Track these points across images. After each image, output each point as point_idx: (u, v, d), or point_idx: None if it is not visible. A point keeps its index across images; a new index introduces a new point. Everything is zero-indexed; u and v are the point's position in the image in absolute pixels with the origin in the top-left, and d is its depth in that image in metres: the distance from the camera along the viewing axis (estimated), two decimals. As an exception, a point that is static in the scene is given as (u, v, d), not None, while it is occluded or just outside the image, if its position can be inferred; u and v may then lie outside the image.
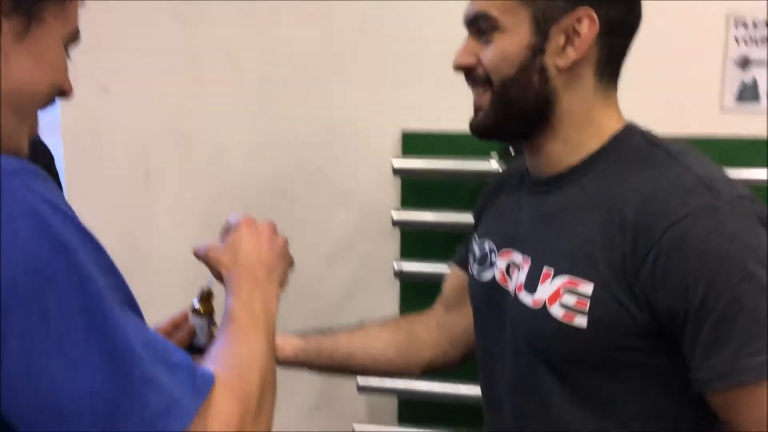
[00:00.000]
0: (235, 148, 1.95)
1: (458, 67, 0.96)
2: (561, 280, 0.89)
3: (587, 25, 0.89)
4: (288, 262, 0.96)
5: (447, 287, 1.25)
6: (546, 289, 0.90)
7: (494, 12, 0.91)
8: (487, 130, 0.97)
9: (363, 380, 1.78)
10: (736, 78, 1.71)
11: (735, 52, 1.70)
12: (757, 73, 1.69)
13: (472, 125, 0.98)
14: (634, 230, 0.83)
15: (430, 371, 1.23)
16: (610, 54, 0.93)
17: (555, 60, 0.90)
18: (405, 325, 1.23)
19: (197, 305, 1.00)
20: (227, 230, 0.94)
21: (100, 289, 0.62)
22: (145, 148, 2.00)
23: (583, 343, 0.86)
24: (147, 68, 1.96)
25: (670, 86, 1.73)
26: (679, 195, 0.82)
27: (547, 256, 0.92)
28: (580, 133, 0.94)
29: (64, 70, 0.76)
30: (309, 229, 1.92)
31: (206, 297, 1.00)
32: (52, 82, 0.74)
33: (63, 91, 0.76)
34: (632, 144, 0.93)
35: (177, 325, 1.01)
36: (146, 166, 1.99)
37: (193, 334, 0.99)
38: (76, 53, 2.02)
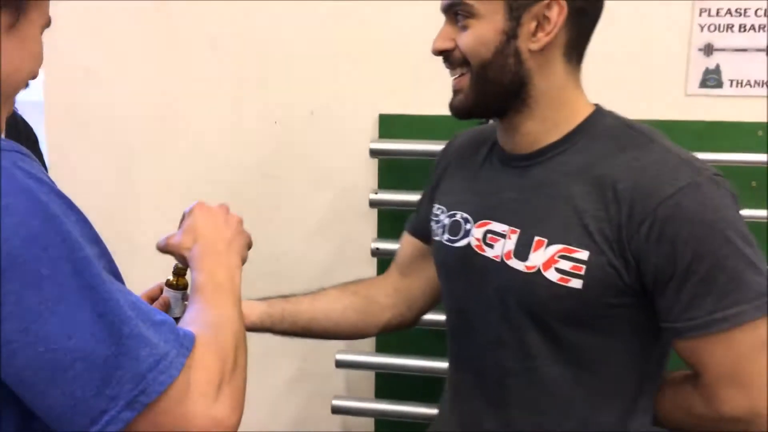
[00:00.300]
0: (216, 133, 1.99)
1: (437, 51, 1.04)
2: (556, 248, 0.98)
3: (556, 11, 0.98)
4: (245, 237, 1.01)
5: (402, 254, 1.33)
6: (539, 256, 0.99)
7: (471, 0, 0.99)
8: (467, 110, 1.05)
9: (341, 355, 1.84)
10: (701, 64, 1.78)
11: (699, 40, 1.77)
12: (721, 60, 1.76)
13: (453, 106, 1.06)
14: (630, 203, 0.93)
15: (386, 332, 1.32)
16: (577, 38, 1.02)
17: (528, 44, 0.99)
18: (363, 290, 1.31)
19: (171, 279, 1.05)
20: (183, 218, 1.00)
21: (88, 256, 0.68)
22: (127, 132, 2.03)
23: (577, 302, 0.97)
24: (130, 52, 1.99)
25: (637, 72, 1.79)
26: (668, 172, 0.94)
27: (537, 227, 1.01)
28: (555, 113, 1.03)
29: (40, 59, 0.82)
30: (289, 210, 1.97)
31: (180, 271, 1.05)
32: (32, 69, 0.80)
33: (34, 77, 0.83)
34: (606, 124, 1.04)
35: (152, 298, 1.07)
36: (129, 150, 2.03)
37: (167, 306, 1.04)
38: (61, 35, 2.06)
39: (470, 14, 0.99)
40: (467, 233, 1.10)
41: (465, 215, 1.12)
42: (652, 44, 1.78)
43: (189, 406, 0.70)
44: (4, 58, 0.75)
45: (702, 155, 1.64)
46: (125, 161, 2.03)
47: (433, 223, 1.20)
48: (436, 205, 1.21)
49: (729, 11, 1.74)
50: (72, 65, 2.01)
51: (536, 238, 1.00)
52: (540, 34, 0.99)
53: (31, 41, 0.79)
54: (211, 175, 2.00)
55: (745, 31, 1.74)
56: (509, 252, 1.03)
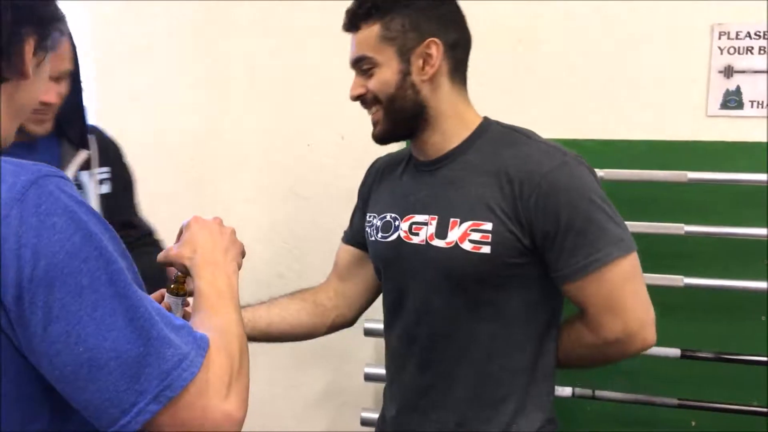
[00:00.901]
0: (251, 155, 2.10)
1: (353, 98, 1.29)
2: (467, 225, 1.23)
3: (435, 48, 1.24)
4: (238, 246, 1.09)
5: (340, 262, 1.52)
6: (455, 233, 1.24)
7: (370, 53, 1.25)
8: (386, 137, 1.31)
9: (370, 369, 1.90)
10: (721, 86, 1.81)
11: (719, 62, 1.80)
12: (741, 81, 1.80)
13: (375, 136, 1.31)
14: (520, 182, 1.20)
15: (332, 331, 1.49)
16: (456, 64, 1.28)
17: (420, 76, 1.25)
18: (309, 296, 1.47)
19: (173, 286, 1.12)
20: (181, 232, 1.10)
21: (121, 268, 0.77)
22: (170, 155, 2.14)
23: (488, 265, 1.21)
24: (172, 80, 2.12)
25: (659, 94, 1.83)
26: (544, 156, 1.22)
27: (450, 211, 1.25)
28: (452, 125, 1.29)
29: (47, 86, 0.94)
30: (320, 230, 2.05)
31: (180, 279, 1.11)
32: (41, 99, 0.92)
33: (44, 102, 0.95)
34: (495, 129, 1.30)
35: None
36: (172, 172, 2.14)
37: (169, 311, 1.08)
38: (110, 63, 2.18)
39: (373, 64, 1.25)
40: (396, 228, 1.33)
41: (393, 215, 1.35)
42: (673, 67, 1.82)
43: (206, 401, 0.78)
44: (29, 90, 0.86)
45: (723, 175, 1.72)
46: (168, 183, 2.14)
47: (368, 229, 1.41)
48: (369, 214, 1.42)
49: (748, 34, 1.78)
50: (120, 91, 2.14)
51: (451, 220, 1.25)
52: (427, 68, 1.25)
53: (42, 81, 0.90)
54: (246, 195, 2.10)
55: (764, 53, 1.77)
56: (432, 234, 1.27)
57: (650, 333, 1.23)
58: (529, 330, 1.27)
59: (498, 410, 1.27)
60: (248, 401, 0.86)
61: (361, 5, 1.26)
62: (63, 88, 1.36)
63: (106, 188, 1.49)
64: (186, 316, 1.13)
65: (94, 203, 1.45)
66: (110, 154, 1.52)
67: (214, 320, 0.90)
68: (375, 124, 1.30)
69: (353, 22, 1.27)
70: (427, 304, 1.29)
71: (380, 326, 1.46)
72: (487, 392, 1.27)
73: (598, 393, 1.83)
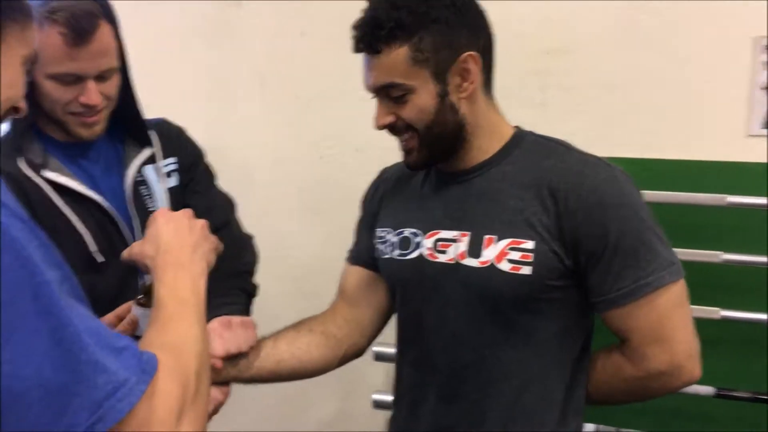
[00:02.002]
0: (262, 167, 2.02)
1: (381, 128, 1.15)
2: (505, 242, 1.11)
3: (472, 62, 1.11)
4: (210, 242, 0.99)
5: (348, 285, 1.35)
6: (491, 251, 1.12)
7: (401, 80, 1.10)
8: (423, 165, 1.19)
9: (378, 396, 1.80)
10: (763, 104, 1.69)
11: (762, 78, 1.68)
12: (785, 99, 1.67)
13: (410, 164, 1.18)
14: (564, 195, 1.09)
15: (344, 363, 1.33)
16: (488, 72, 1.17)
17: (458, 95, 1.13)
18: (317, 327, 1.30)
19: (141, 297, 1.02)
20: (147, 226, 0.99)
21: (48, 281, 0.66)
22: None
23: (528, 287, 1.10)
24: (183, 89, 2.04)
25: (697, 112, 1.72)
26: (590, 168, 1.11)
27: (486, 227, 1.13)
28: (488, 138, 1.18)
29: (21, 89, 0.81)
30: (332, 246, 1.95)
31: (149, 289, 1.00)
32: (9, 97, 0.79)
33: (17, 108, 0.82)
34: (530, 140, 1.19)
35: (120, 317, 1.04)
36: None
37: (135, 325, 1.02)
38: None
39: (406, 91, 1.10)
40: (418, 245, 1.20)
41: (413, 230, 1.21)
42: (712, 83, 1.71)
43: None
44: None
45: (764, 200, 1.59)
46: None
47: (379, 245, 1.27)
48: (380, 229, 1.28)
49: (793, 49, 1.66)
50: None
51: (486, 237, 1.13)
52: (465, 84, 1.12)
53: (8, 69, 0.78)
54: (256, 208, 2.01)
55: (811, 69, 1.65)
56: (462, 253, 1.14)
57: (696, 366, 1.13)
58: (563, 358, 1.16)
59: None
60: (204, 416, 0.77)
61: (381, 25, 1.08)
62: (108, 87, 1.27)
63: (173, 181, 1.41)
64: None
65: (163, 197, 1.36)
66: (174, 144, 1.44)
67: (170, 335, 0.80)
68: (408, 151, 1.17)
69: (371, 44, 1.10)
70: (452, 329, 1.16)
71: (391, 350, 1.32)
72: (517, 427, 1.15)
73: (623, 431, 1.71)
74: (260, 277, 2.11)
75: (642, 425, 1.72)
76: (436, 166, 1.22)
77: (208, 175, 1.51)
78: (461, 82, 1.11)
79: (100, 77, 1.25)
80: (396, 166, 1.32)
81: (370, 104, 1.87)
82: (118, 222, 1.32)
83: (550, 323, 1.13)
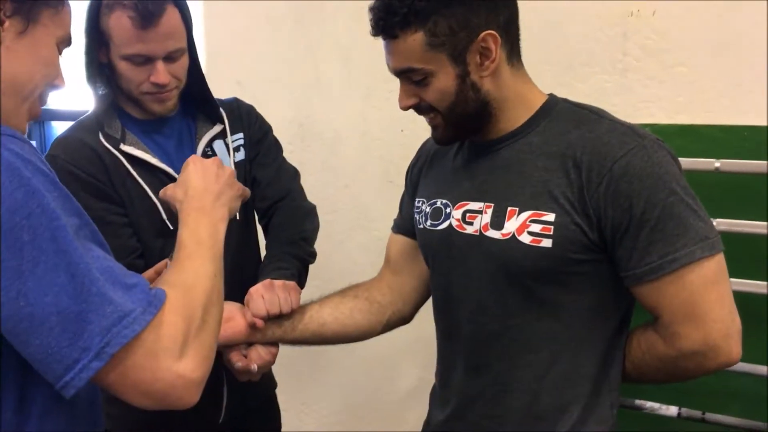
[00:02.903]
0: (346, 140, 2.08)
1: (405, 109, 1.17)
2: (526, 214, 1.11)
3: (492, 41, 1.09)
4: (236, 189, 1.08)
5: (392, 253, 1.40)
6: (513, 223, 1.12)
7: (419, 65, 1.10)
8: (449, 141, 1.21)
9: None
10: None
11: None
12: None
13: (437, 139, 1.21)
14: (588, 166, 1.07)
15: (388, 329, 1.38)
16: (512, 45, 1.14)
17: (479, 74, 1.11)
18: (362, 293, 1.36)
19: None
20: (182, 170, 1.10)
21: (65, 225, 0.77)
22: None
23: (549, 260, 1.09)
24: (273, 66, 2.15)
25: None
26: (618, 138, 1.08)
27: (509, 198, 1.13)
28: (517, 109, 1.16)
29: (57, 67, 0.91)
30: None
31: None
32: (46, 76, 0.89)
33: (56, 85, 0.92)
34: (561, 108, 1.17)
35: (158, 272, 1.15)
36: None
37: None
38: (217, 53, 2.27)
39: (425, 75, 1.10)
40: (447, 216, 1.21)
41: (444, 201, 1.23)
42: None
43: (155, 361, 0.78)
44: (14, 61, 0.85)
45: None
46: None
47: (416, 215, 1.30)
48: (417, 200, 1.30)
49: None
50: (228, 79, 2.20)
51: (509, 209, 1.12)
52: (486, 63, 1.10)
53: (44, 48, 0.88)
54: (340, 180, 2.08)
55: None
56: (486, 224, 1.15)
57: (735, 346, 1.08)
58: (596, 334, 1.14)
59: (556, 423, 1.14)
60: (211, 359, 0.84)
61: (394, 11, 1.08)
62: (176, 67, 1.37)
63: (241, 155, 1.51)
64: None
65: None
66: (243, 120, 1.55)
67: (183, 274, 0.89)
68: (434, 127, 1.19)
69: (387, 29, 1.10)
70: (477, 300, 1.17)
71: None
72: (544, 402, 1.15)
73: (709, 416, 1.61)
74: (346, 246, 2.19)
75: (731, 411, 1.62)
76: (468, 138, 1.22)
77: (274, 149, 1.60)
78: (482, 62, 1.10)
79: (169, 58, 1.35)
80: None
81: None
82: None
83: (580, 297, 1.12)
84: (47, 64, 0.89)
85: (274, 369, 1.73)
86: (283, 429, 1.70)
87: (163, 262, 1.16)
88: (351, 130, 2.07)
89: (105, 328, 0.76)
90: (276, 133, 2.15)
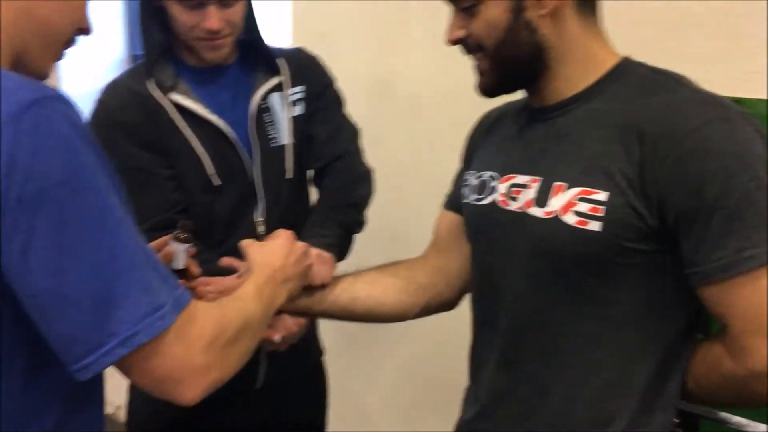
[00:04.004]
0: (433, 96, 1.96)
1: (452, 42, 1.06)
2: (575, 191, 0.96)
3: None
4: (303, 282, 1.12)
5: (440, 231, 1.28)
6: (558, 200, 0.97)
7: None
8: (493, 90, 1.07)
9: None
10: None
11: None
12: None
13: (480, 88, 1.07)
14: (654, 138, 0.91)
15: (427, 313, 1.25)
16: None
17: (536, 12, 0.98)
18: (402, 271, 1.24)
19: (178, 232, 1.10)
20: (271, 237, 1.14)
21: (112, 204, 0.74)
22: (355, 95, 2.09)
23: (596, 246, 0.94)
24: (358, 19, 2.05)
25: None
26: (696, 107, 0.92)
27: (558, 172, 0.99)
28: (579, 68, 1.02)
29: (84, 10, 0.88)
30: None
31: (187, 226, 1.10)
32: (75, 19, 0.86)
33: (83, 29, 0.88)
34: (635, 72, 1.01)
35: (158, 249, 1.11)
36: (355, 111, 2.09)
37: (170, 258, 1.09)
38: (302, 5, 2.19)
39: (475, 1, 0.99)
40: (492, 190, 1.09)
41: (492, 173, 1.10)
42: None
43: (176, 350, 0.77)
44: (42, 5, 0.82)
45: None
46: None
47: (463, 189, 1.18)
48: (467, 172, 1.18)
49: None
50: (312, 32, 2.14)
51: (555, 184, 0.99)
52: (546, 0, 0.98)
53: None
54: (426, 137, 1.98)
55: None
56: (530, 201, 1.02)
57: None
58: (650, 339, 0.97)
59: None
60: (226, 376, 0.83)
61: None
62: (231, 13, 1.31)
63: (299, 109, 1.44)
64: (189, 265, 1.11)
65: (286, 125, 1.42)
66: (304, 73, 1.47)
67: (232, 301, 0.91)
68: (480, 73, 1.06)
69: None
70: (516, 287, 1.04)
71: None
72: (581, 412, 1.00)
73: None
74: (420, 215, 2.08)
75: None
76: (528, 103, 1.09)
77: (334, 104, 1.51)
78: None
79: (223, 2, 1.28)
80: (503, 106, 1.21)
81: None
82: (237, 147, 1.36)
83: (633, 295, 0.96)
84: (76, 9, 0.87)
85: (326, 332, 1.67)
86: (333, 396, 1.65)
87: (161, 240, 1.11)
88: (432, 92, 1.95)
89: (138, 317, 0.74)
90: (355, 89, 2.06)
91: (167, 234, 1.12)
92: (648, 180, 0.91)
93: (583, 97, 1.01)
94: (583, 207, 0.94)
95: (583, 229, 0.94)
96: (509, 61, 1.01)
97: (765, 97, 1.39)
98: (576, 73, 1.01)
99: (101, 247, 0.72)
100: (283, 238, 1.12)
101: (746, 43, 1.45)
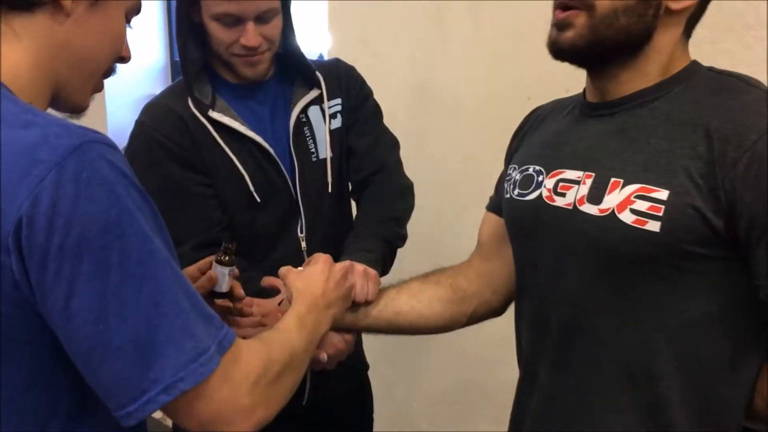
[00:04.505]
0: (471, 103, 1.92)
1: None
2: (632, 188, 0.91)
3: None
4: (346, 303, 1.11)
5: (484, 236, 1.24)
6: (614, 197, 0.92)
7: None
8: (575, 51, 0.96)
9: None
10: None
11: None
12: None
13: (559, 42, 0.96)
14: (723, 139, 0.86)
15: (475, 321, 1.23)
16: (698, 15, 0.98)
17: (670, 1, 0.93)
18: (446, 279, 1.22)
19: (221, 255, 1.08)
20: (309, 262, 1.12)
21: (155, 249, 0.73)
22: (394, 99, 2.06)
23: (653, 247, 0.89)
24: (399, 25, 2.02)
25: None
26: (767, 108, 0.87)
27: (615, 169, 0.94)
28: (658, 68, 0.97)
29: (125, 39, 0.86)
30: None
31: (230, 249, 1.08)
32: (115, 49, 0.85)
33: (122, 57, 0.87)
34: (702, 74, 0.98)
35: (202, 271, 1.10)
36: (392, 117, 2.06)
37: (214, 281, 1.08)
38: (341, 11, 2.18)
39: None
40: (539, 185, 1.04)
41: (538, 168, 1.06)
42: None
43: (222, 393, 0.76)
44: (84, 35, 0.80)
45: None
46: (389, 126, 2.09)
47: (505, 185, 1.13)
48: (510, 166, 1.13)
49: None
50: (352, 37, 2.12)
51: (612, 180, 0.94)
52: None
53: (115, 21, 0.83)
54: (463, 143, 1.95)
55: None
56: (582, 197, 0.96)
57: None
58: (710, 354, 0.92)
59: None
60: (273, 412, 0.82)
61: None
62: (269, 29, 1.30)
63: (337, 122, 1.43)
64: (233, 287, 1.10)
65: (325, 139, 1.40)
66: (342, 84, 1.45)
67: (276, 334, 0.90)
68: (564, 25, 0.95)
69: None
70: (565, 287, 0.99)
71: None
72: (631, 424, 0.96)
73: None
74: (463, 222, 2.05)
75: None
76: (585, 97, 1.04)
77: (373, 116, 1.48)
78: None
79: (260, 19, 1.27)
80: (551, 103, 1.18)
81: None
82: (278, 163, 1.35)
83: (693, 304, 0.91)
84: (116, 38, 0.85)
85: (368, 341, 1.66)
86: (378, 405, 1.63)
87: (206, 261, 1.10)
88: (474, 95, 1.91)
89: (182, 363, 0.73)
90: (395, 96, 2.05)
91: (210, 253, 1.12)
92: (718, 179, 0.86)
93: (647, 94, 0.97)
94: (641, 206, 0.89)
95: (641, 228, 0.89)
96: (618, 29, 0.93)
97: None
98: (653, 71, 0.97)
99: (144, 293, 0.72)
100: (321, 262, 1.10)
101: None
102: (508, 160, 1.19)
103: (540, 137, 1.11)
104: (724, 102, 0.90)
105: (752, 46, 1.44)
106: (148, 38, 3.04)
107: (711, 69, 0.98)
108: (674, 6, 0.93)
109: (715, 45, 1.44)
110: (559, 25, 0.96)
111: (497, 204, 1.20)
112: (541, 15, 1.75)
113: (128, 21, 0.87)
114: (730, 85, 0.93)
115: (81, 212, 0.69)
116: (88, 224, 0.69)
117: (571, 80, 1.68)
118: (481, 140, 1.92)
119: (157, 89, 3.06)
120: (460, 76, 1.94)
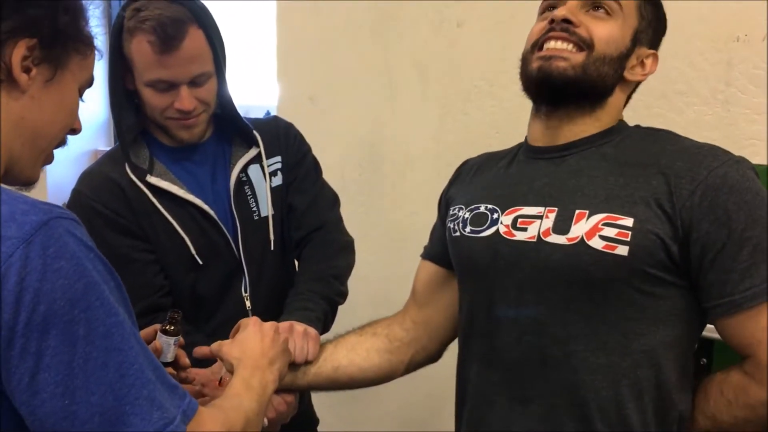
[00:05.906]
0: (421, 156, 1.95)
1: (563, 19, 1.02)
2: (599, 217, 0.97)
3: (650, 63, 1.08)
4: (287, 357, 1.11)
5: (419, 283, 1.26)
6: (582, 227, 0.98)
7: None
8: (567, 80, 1.02)
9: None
10: None
11: None
12: None
13: (552, 68, 1.02)
14: (678, 174, 0.96)
15: (412, 369, 1.24)
16: (635, 90, 1.11)
17: (648, 55, 1.07)
18: (382, 330, 1.23)
19: (167, 325, 1.08)
20: (237, 329, 1.11)
21: (121, 321, 0.74)
22: (342, 156, 2.09)
23: (623, 271, 0.95)
24: (346, 80, 2.05)
25: None
26: (708, 150, 0.99)
27: (578, 202, 1.00)
28: (609, 121, 1.07)
29: (77, 112, 0.87)
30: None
31: (175, 320, 1.08)
32: (68, 123, 0.85)
33: (74, 129, 0.88)
34: (634, 128, 1.09)
35: (147, 341, 1.07)
36: (341, 173, 2.07)
37: (159, 351, 1.07)
38: (289, 68, 2.19)
39: (609, 10, 1.04)
40: (494, 221, 1.07)
41: (490, 206, 1.09)
42: None
43: None
44: (39, 111, 0.81)
45: None
46: (338, 183, 2.09)
47: (450, 224, 1.15)
48: (452, 208, 1.16)
49: None
50: (299, 95, 2.14)
51: (577, 212, 0.99)
52: (638, 70, 1.07)
53: (69, 96, 0.84)
54: (416, 194, 1.96)
55: None
56: (547, 229, 1.01)
57: None
58: (664, 377, 0.98)
59: None
60: None
61: None
62: (203, 92, 1.29)
63: (278, 180, 1.42)
64: (178, 356, 1.10)
65: (266, 197, 1.39)
66: (281, 142, 1.45)
67: (228, 401, 0.91)
68: (560, 57, 1.02)
69: None
70: (531, 318, 1.01)
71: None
72: None
73: None
74: (413, 276, 2.07)
75: None
76: (527, 144, 1.11)
77: (312, 173, 1.48)
78: (635, 65, 1.06)
79: (194, 83, 1.27)
80: (479, 156, 1.24)
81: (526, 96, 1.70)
82: (219, 224, 1.34)
83: (654, 329, 0.97)
84: (70, 113, 0.86)
85: (318, 404, 1.64)
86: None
87: (149, 330, 1.09)
88: (424, 153, 1.93)
89: None
90: (346, 153, 2.06)
91: (152, 319, 1.10)
92: (676, 209, 0.94)
93: (592, 141, 1.05)
94: (610, 232, 0.95)
95: (611, 253, 0.95)
96: (600, 73, 1.02)
97: (765, 163, 1.39)
98: (605, 121, 1.06)
99: (110, 365, 0.72)
100: (251, 325, 1.10)
101: (742, 110, 1.45)
102: (445, 204, 1.21)
103: (483, 182, 1.15)
104: (665, 147, 1.01)
105: (684, 111, 1.50)
106: (88, 94, 3.03)
107: (637, 125, 1.09)
108: (628, 77, 1.06)
109: (650, 110, 1.50)
110: (553, 56, 1.02)
111: (431, 252, 1.23)
112: (487, 72, 1.83)
113: (81, 94, 0.88)
114: (664, 135, 1.05)
115: (48, 287, 0.70)
116: (56, 298, 0.70)
117: (523, 130, 1.75)
118: (430, 197, 1.94)
119: (98, 144, 3.07)
120: (409, 134, 1.96)
